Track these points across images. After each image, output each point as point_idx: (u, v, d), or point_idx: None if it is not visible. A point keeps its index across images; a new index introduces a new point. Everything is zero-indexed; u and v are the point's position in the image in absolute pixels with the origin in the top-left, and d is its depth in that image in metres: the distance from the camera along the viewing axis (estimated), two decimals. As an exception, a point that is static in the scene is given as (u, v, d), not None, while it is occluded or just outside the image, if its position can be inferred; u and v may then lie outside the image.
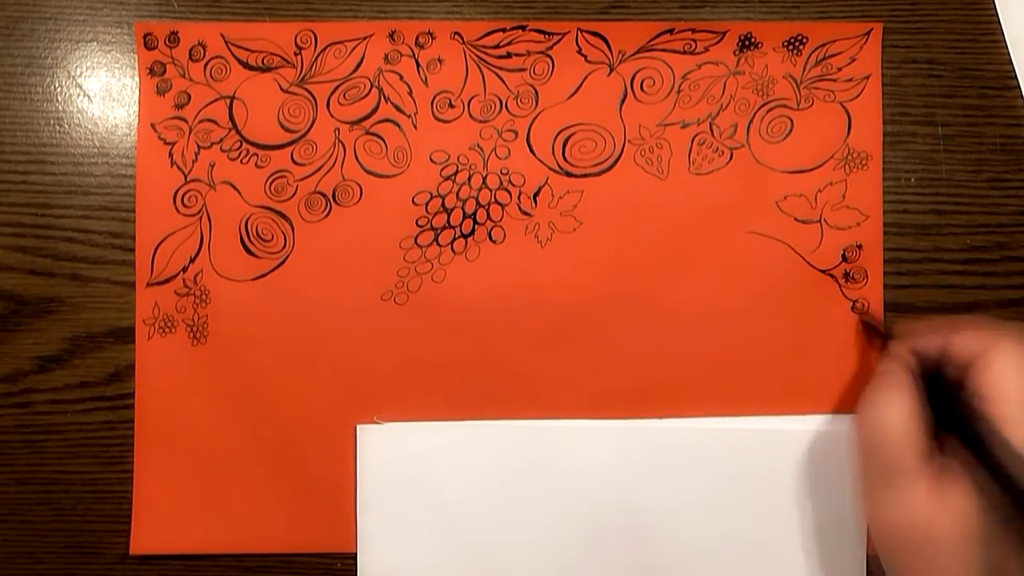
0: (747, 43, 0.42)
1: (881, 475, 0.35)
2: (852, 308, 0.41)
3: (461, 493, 0.41)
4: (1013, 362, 0.34)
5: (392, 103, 0.41)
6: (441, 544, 0.41)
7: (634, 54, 0.42)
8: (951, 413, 0.35)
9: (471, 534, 0.41)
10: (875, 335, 0.40)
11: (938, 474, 0.34)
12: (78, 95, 0.42)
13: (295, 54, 0.41)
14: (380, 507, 0.41)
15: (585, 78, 0.42)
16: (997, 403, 0.33)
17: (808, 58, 0.42)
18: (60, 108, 0.42)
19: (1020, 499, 0.32)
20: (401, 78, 0.42)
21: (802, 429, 0.41)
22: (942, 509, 0.33)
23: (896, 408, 0.34)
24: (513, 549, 0.41)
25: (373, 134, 0.41)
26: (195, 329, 0.41)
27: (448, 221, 0.41)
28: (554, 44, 0.42)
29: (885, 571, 0.36)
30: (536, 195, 0.42)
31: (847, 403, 0.41)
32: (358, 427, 0.41)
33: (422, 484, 0.41)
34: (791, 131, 0.42)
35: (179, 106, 0.41)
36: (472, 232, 0.41)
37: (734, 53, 0.42)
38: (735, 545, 0.41)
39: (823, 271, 0.41)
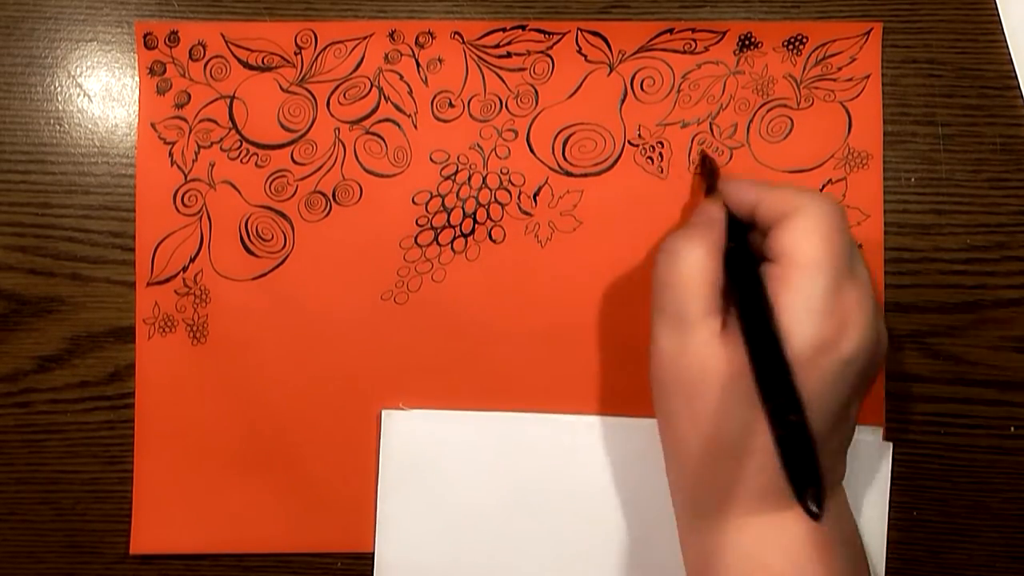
0: (747, 43, 0.42)
1: (666, 313, 0.35)
2: None
3: (478, 482, 0.41)
4: (809, 226, 0.33)
5: (392, 103, 0.42)
6: (458, 533, 0.41)
7: (634, 54, 0.42)
8: (745, 271, 0.34)
9: (487, 523, 0.41)
10: (708, 178, 0.40)
11: (721, 326, 0.33)
12: (78, 95, 0.42)
13: (295, 54, 0.41)
14: (400, 494, 0.41)
15: (585, 78, 0.42)
16: (784, 265, 0.33)
17: (808, 58, 0.42)
18: (60, 108, 0.42)
19: (770, 366, 0.31)
20: (401, 78, 0.42)
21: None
22: (713, 358, 0.33)
23: (693, 257, 0.34)
24: (529, 539, 0.41)
25: (373, 134, 0.41)
26: (195, 329, 0.41)
27: (448, 221, 0.41)
28: (554, 44, 0.42)
29: (653, 401, 0.36)
30: (536, 195, 0.42)
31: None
32: (383, 412, 0.41)
33: (442, 472, 0.41)
34: (791, 131, 0.42)
35: (179, 106, 0.41)
36: (472, 232, 0.41)
37: (734, 53, 0.42)
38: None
39: (823, 271, 0.41)
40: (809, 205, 0.33)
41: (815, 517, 0.30)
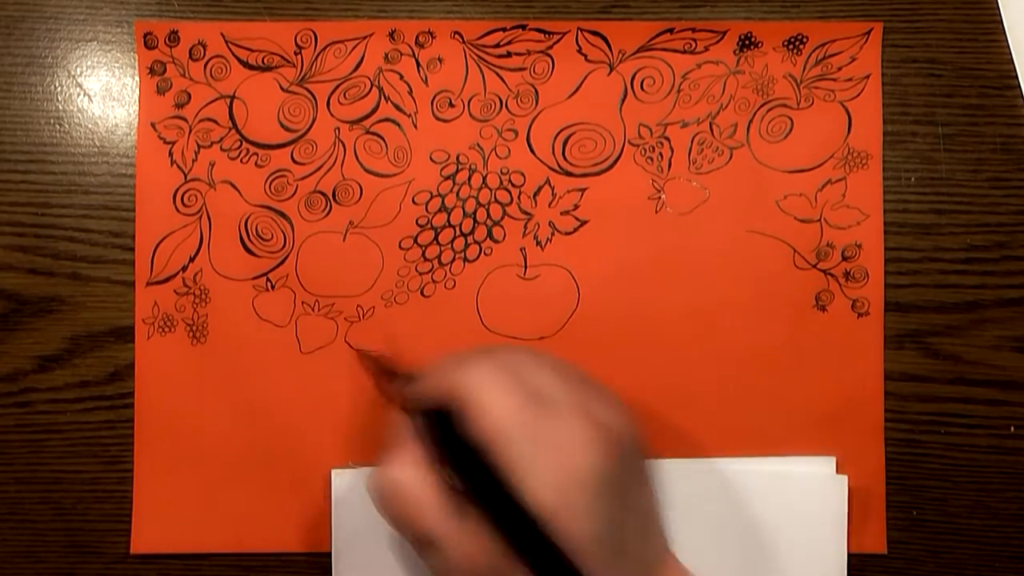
0: (747, 43, 0.42)
1: (415, 539, 0.34)
2: (852, 307, 0.41)
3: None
4: (480, 400, 0.32)
5: (392, 102, 0.41)
6: None
7: (634, 53, 0.42)
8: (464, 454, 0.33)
9: None
10: (379, 378, 0.39)
11: (461, 522, 0.32)
12: (78, 94, 0.42)
13: (295, 53, 0.41)
14: (356, 551, 0.40)
15: (585, 77, 0.42)
16: (489, 444, 0.32)
17: (808, 58, 0.42)
18: (60, 107, 0.42)
19: (524, 543, 0.31)
20: (401, 77, 0.42)
21: (792, 470, 0.41)
22: (475, 555, 0.32)
23: (406, 472, 0.33)
24: None
25: (373, 133, 0.41)
26: (195, 328, 0.41)
27: (448, 220, 0.41)
28: (554, 43, 0.42)
29: None
30: (536, 194, 0.42)
31: (848, 401, 0.41)
32: (332, 472, 0.40)
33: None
34: (791, 130, 0.42)
35: (179, 105, 0.41)
36: (472, 231, 0.41)
37: (734, 52, 0.42)
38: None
39: (824, 270, 0.41)
40: (468, 381, 0.33)
41: None
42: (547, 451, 0.32)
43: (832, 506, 0.40)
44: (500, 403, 0.33)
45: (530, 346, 0.36)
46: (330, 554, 0.41)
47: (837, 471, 0.41)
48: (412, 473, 0.33)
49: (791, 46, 0.42)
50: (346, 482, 0.40)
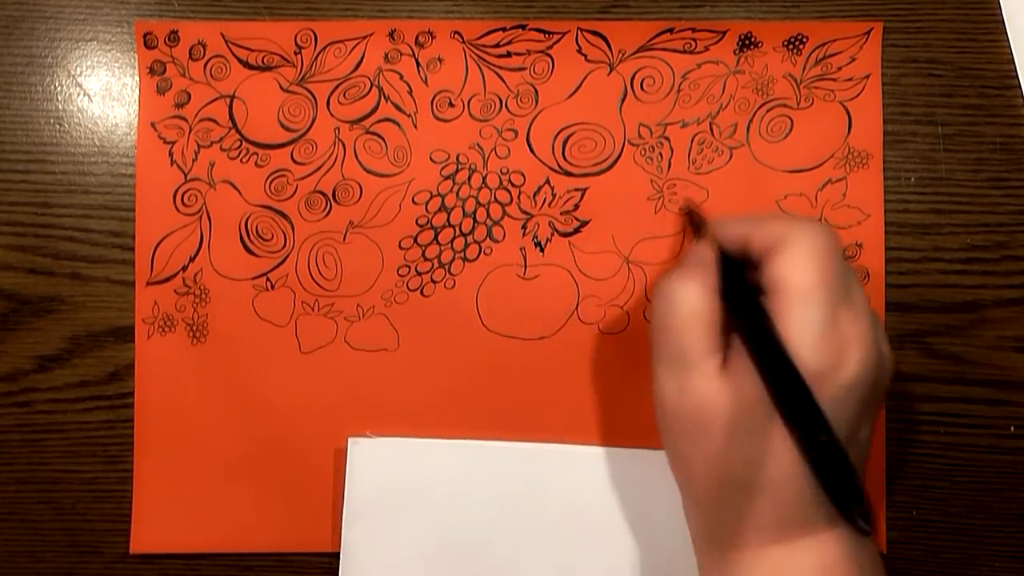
0: (747, 42, 0.42)
1: (665, 356, 0.34)
2: None
3: (449, 512, 0.40)
4: (800, 253, 0.32)
5: (392, 102, 0.42)
6: (425, 562, 0.40)
7: (634, 53, 0.42)
8: (747, 304, 0.34)
9: (456, 554, 0.40)
10: (695, 228, 0.39)
11: (721, 364, 0.33)
12: (78, 94, 0.42)
13: (295, 53, 0.41)
14: (366, 521, 0.40)
15: (585, 77, 0.42)
16: (779, 294, 0.32)
17: (808, 57, 0.42)
18: (60, 107, 0.42)
19: (790, 392, 0.31)
20: (401, 77, 0.42)
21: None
22: (716, 396, 0.32)
23: (689, 297, 0.34)
24: (499, 571, 0.40)
25: (373, 133, 0.41)
26: (195, 328, 0.41)
27: (448, 220, 0.41)
28: (554, 43, 0.42)
29: (662, 441, 0.35)
30: (536, 194, 0.42)
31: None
32: (349, 440, 0.41)
33: (410, 500, 0.40)
34: (791, 130, 0.42)
35: (179, 105, 0.41)
36: (472, 231, 0.41)
37: (734, 52, 0.42)
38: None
39: (823, 270, 0.41)
40: (798, 232, 0.33)
41: (865, 534, 0.30)
42: (834, 339, 0.32)
43: None
44: (816, 267, 0.32)
45: None
46: (329, 554, 0.41)
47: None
48: (697, 293, 0.34)
49: (791, 46, 0.42)
50: (362, 450, 0.40)
